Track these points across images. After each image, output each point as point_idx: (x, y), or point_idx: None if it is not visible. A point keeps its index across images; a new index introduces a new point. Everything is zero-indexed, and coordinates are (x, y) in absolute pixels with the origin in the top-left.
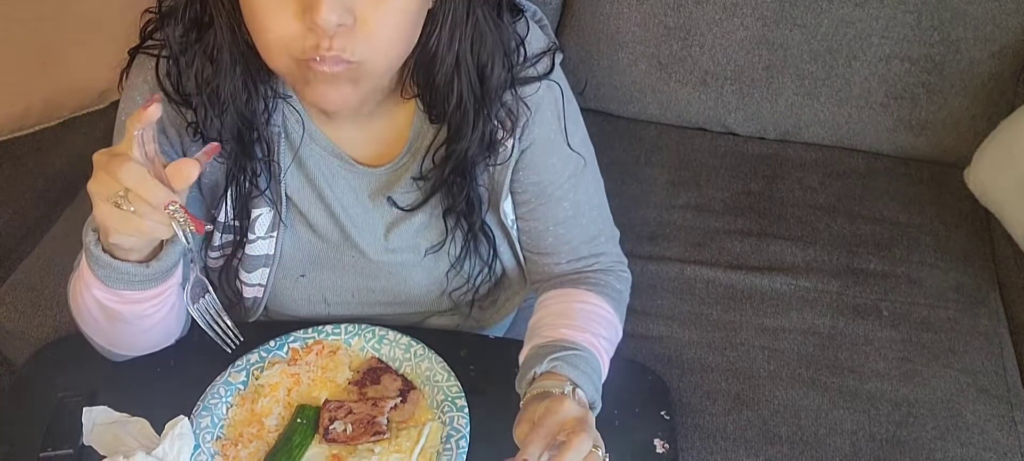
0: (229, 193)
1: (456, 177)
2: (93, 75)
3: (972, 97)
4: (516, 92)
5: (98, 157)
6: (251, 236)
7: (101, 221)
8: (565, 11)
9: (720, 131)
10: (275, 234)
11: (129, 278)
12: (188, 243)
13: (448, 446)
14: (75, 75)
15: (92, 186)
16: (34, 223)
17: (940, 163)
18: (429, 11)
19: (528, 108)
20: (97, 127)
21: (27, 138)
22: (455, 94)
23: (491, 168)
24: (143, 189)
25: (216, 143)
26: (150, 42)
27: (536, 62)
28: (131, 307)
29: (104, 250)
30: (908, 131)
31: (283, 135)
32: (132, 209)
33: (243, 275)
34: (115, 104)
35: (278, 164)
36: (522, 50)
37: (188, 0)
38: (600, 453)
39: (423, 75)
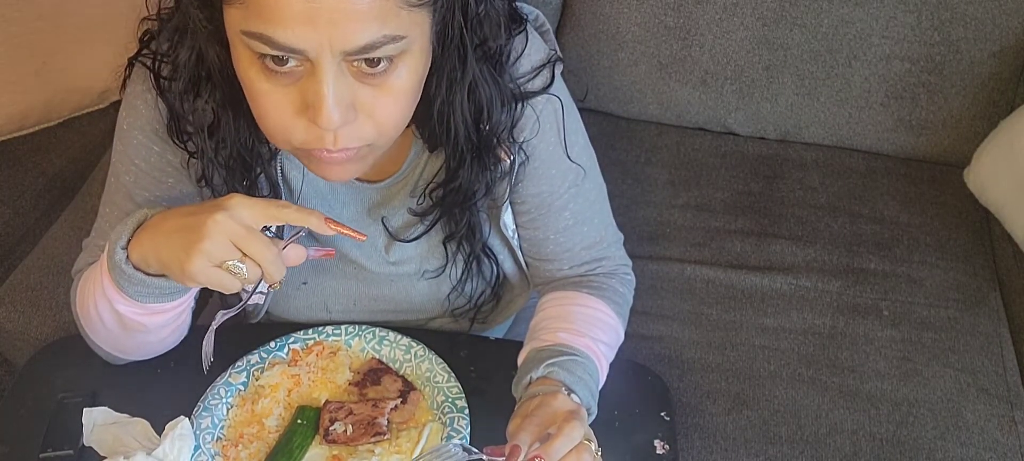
0: None
1: (455, 208)
2: (93, 75)
3: (972, 97)
4: (513, 136)
5: (230, 225)
6: None
7: (194, 275)
8: (565, 12)
9: (720, 131)
10: None
11: (160, 292)
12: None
13: None
14: (75, 75)
15: (209, 248)
16: (34, 223)
17: (940, 163)
18: None
19: (525, 154)
20: (97, 127)
21: (27, 138)
22: (452, 135)
23: (490, 190)
24: (273, 269)
25: (332, 250)
26: (147, 51)
27: (535, 76)
28: (154, 318)
29: (136, 268)
30: (908, 131)
31: (286, 169)
32: (245, 275)
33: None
34: (115, 104)
35: (285, 187)
36: (519, 107)
37: (187, 60)
38: (593, 446)
39: (419, 113)
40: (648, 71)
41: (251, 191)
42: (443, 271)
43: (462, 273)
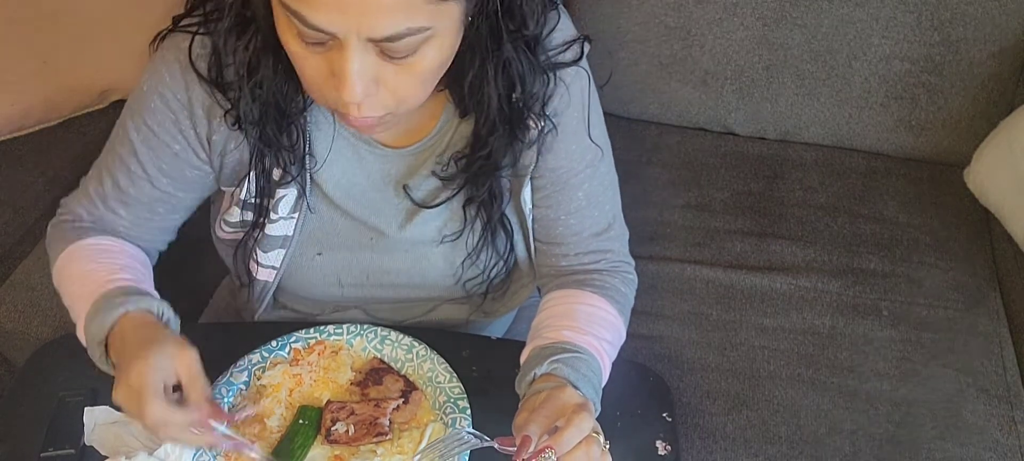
0: (253, 173)
1: (481, 176)
2: (93, 75)
3: (972, 97)
4: (544, 110)
5: (127, 405)
6: (273, 216)
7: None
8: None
9: (720, 131)
10: (296, 215)
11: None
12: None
13: None
14: (75, 75)
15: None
16: (34, 223)
17: (940, 163)
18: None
19: (553, 124)
20: (97, 127)
21: (27, 138)
22: (484, 106)
23: (517, 160)
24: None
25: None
26: (188, 20)
27: (565, 50)
28: None
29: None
30: (908, 131)
31: (316, 125)
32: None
33: (259, 255)
34: (115, 104)
35: (309, 152)
36: (552, 81)
37: (233, 1)
38: (601, 439)
39: (452, 79)
40: (648, 71)
41: (280, 141)
42: (461, 236)
43: (479, 240)
